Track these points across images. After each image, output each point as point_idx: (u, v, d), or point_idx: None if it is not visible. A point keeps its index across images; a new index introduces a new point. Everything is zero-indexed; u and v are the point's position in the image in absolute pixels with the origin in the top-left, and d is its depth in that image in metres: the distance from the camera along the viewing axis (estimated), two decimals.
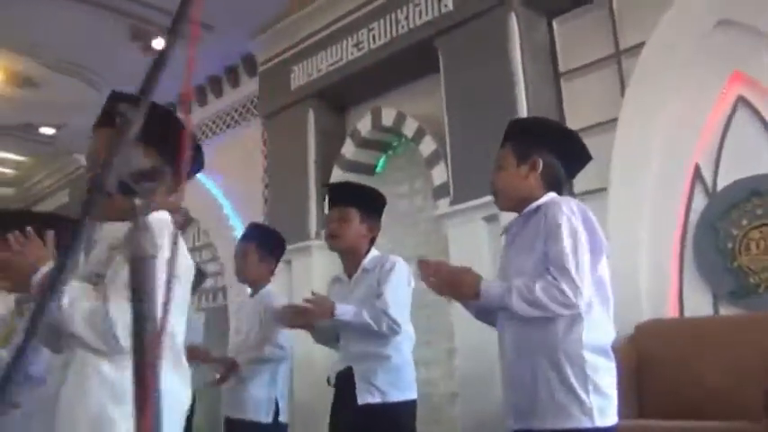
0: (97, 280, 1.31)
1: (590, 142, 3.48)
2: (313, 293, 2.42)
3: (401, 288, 2.41)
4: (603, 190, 3.37)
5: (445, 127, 3.84)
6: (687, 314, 3.13)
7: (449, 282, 1.81)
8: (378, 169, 4.75)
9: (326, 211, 2.80)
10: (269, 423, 2.76)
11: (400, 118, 4.29)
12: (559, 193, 1.89)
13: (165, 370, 1.33)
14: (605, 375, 1.70)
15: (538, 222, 1.77)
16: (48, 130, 6.98)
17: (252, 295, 3.02)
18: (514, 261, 1.83)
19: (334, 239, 2.53)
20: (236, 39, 5.19)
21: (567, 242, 1.67)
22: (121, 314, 1.21)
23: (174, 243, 1.34)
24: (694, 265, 3.15)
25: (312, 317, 2.34)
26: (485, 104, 3.60)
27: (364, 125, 4.52)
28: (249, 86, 5.55)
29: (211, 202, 5.88)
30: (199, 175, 6.00)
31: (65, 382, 1.27)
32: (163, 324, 0.65)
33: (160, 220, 1.40)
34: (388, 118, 4.37)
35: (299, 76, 4.81)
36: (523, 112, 3.47)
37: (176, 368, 1.35)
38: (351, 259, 2.54)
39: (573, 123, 3.56)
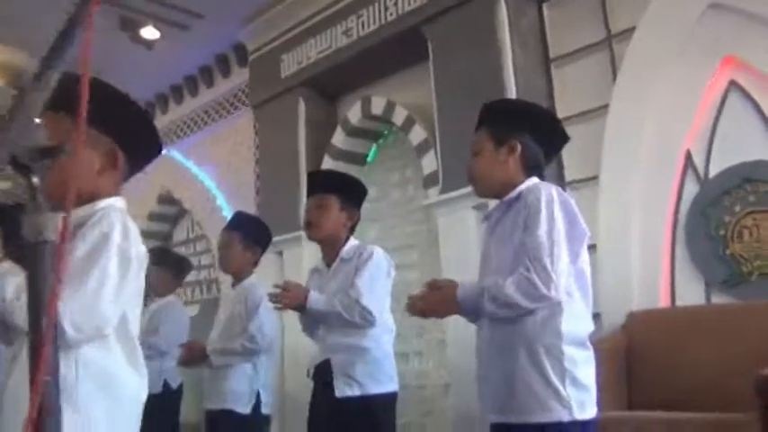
0: None
1: (581, 129, 3.48)
2: (285, 282, 2.37)
3: (377, 277, 2.36)
4: (595, 178, 3.32)
5: (434, 115, 3.78)
6: (679, 303, 3.07)
7: (430, 310, 1.81)
8: (369, 158, 4.70)
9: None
10: (247, 414, 2.71)
11: (390, 106, 4.23)
12: (540, 177, 1.84)
13: (117, 361, 1.29)
14: (583, 367, 1.64)
15: (518, 210, 1.72)
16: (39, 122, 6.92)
17: (233, 286, 2.97)
18: (495, 253, 1.78)
19: (312, 228, 2.48)
20: (226, 27, 5.12)
21: (543, 231, 1.62)
22: (64, 303, 1.16)
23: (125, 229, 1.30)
24: (686, 253, 3.09)
25: (285, 303, 2.30)
26: (474, 92, 3.53)
27: (354, 114, 4.46)
28: (240, 76, 5.48)
29: (204, 193, 5.84)
30: (191, 166, 6.02)
31: (11, 375, 1.22)
32: (54, 306, 0.60)
33: (111, 206, 1.36)
34: (377, 106, 4.31)
35: (289, 65, 4.75)
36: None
37: (130, 360, 1.30)
38: (330, 248, 2.49)
39: (563, 110, 3.51)
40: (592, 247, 3.29)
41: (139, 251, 1.31)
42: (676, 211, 3.14)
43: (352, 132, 4.51)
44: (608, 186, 3.27)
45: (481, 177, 1.85)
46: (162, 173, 6.41)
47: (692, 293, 3.05)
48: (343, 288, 2.34)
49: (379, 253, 2.42)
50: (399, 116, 4.17)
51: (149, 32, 5.16)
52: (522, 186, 1.77)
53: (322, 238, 2.50)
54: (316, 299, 2.29)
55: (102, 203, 1.34)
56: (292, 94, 4.73)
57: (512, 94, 3.43)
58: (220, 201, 5.63)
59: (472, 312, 1.74)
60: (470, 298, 1.69)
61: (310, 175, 2.72)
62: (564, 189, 3.48)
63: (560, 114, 3.53)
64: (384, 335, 2.37)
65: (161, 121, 6.42)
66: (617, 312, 3.05)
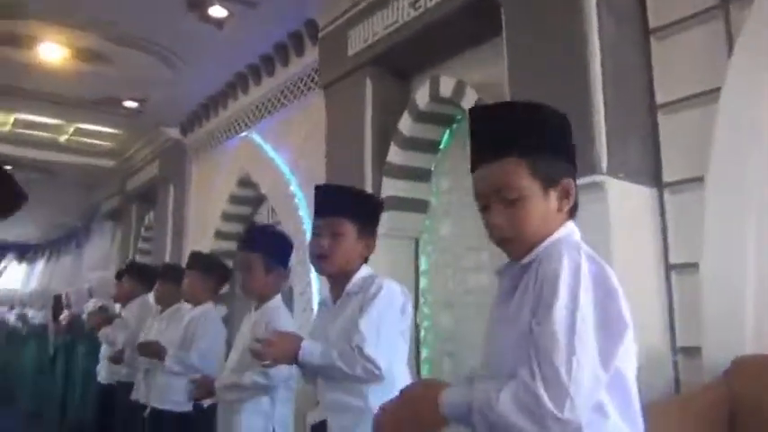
0: None
1: (686, 118, 2.78)
2: (272, 332, 1.95)
3: (387, 318, 1.89)
4: (699, 180, 2.64)
5: (506, 98, 3.21)
6: None
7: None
8: (442, 146, 4.19)
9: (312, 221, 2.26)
10: None
11: (459, 88, 3.69)
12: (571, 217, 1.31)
13: None
14: None
15: (529, 280, 1.20)
16: (131, 104, 6.95)
17: (256, 308, 2.63)
18: (497, 333, 1.27)
19: (323, 261, 2.02)
20: (296, 2, 4.76)
21: (560, 319, 1.09)
22: None
23: None
24: None
25: (271, 359, 1.89)
26: (552, 71, 2.95)
27: (422, 96, 3.96)
28: (314, 54, 5.10)
29: (279, 177, 5.56)
30: (268, 149, 5.76)
31: None
32: None
33: None
34: (446, 88, 3.78)
35: (356, 42, 4.30)
36: (597, 80, 2.77)
37: None
38: (340, 279, 2.05)
39: (664, 94, 2.86)
40: (693, 266, 2.67)
41: None
42: None
43: (420, 117, 4.02)
44: (717, 189, 2.59)
45: (527, 233, 1.24)
46: (242, 155, 6.24)
47: None
48: (348, 329, 1.91)
49: (390, 287, 1.95)
50: (469, 99, 3.62)
51: (217, 11, 4.91)
52: (551, 240, 1.24)
53: (334, 274, 2.06)
54: (310, 351, 1.87)
55: None
56: (360, 73, 4.29)
57: (596, 74, 2.79)
58: (294, 187, 5.33)
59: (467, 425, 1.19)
60: (459, 410, 1.15)
61: (320, 191, 2.18)
62: (661, 192, 2.84)
63: (661, 99, 2.88)
64: (393, 393, 1.90)
65: (242, 102, 6.23)
66: (720, 356, 2.41)
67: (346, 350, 1.84)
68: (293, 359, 1.88)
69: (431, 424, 1.20)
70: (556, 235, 1.24)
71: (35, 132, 8.01)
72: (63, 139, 8.26)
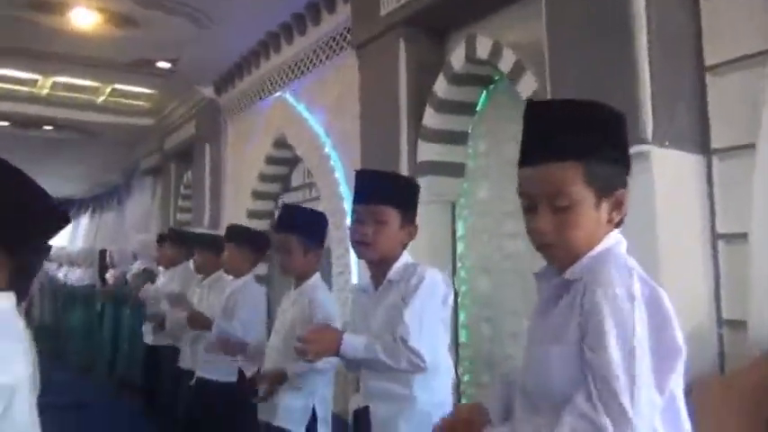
0: None
1: (736, 80, 2.64)
2: (311, 330, 1.94)
3: (430, 309, 1.89)
4: (750, 146, 2.52)
5: (546, 61, 3.09)
6: None
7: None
8: (478, 107, 4.09)
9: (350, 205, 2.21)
10: None
11: (496, 49, 3.57)
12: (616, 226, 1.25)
13: None
14: None
15: (575, 296, 1.15)
16: (164, 65, 6.94)
17: (295, 287, 2.65)
18: (537, 341, 1.23)
19: (364, 247, 2.00)
20: None
21: (616, 346, 1.05)
22: None
23: None
24: None
25: (313, 355, 1.89)
26: (593, 30, 2.82)
27: (457, 58, 3.85)
28: (346, 11, 4.98)
29: (314, 139, 5.53)
30: (302, 110, 5.71)
31: None
32: None
33: None
34: (483, 49, 3.66)
35: (389, 1, 4.17)
36: (642, 40, 2.64)
37: None
38: (381, 267, 2.03)
39: (713, 55, 2.70)
40: (741, 237, 2.58)
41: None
42: None
43: (456, 79, 3.91)
44: None
45: (578, 246, 1.18)
46: (277, 116, 6.21)
47: None
48: (391, 318, 1.90)
49: (432, 276, 1.93)
50: (507, 62, 3.50)
51: None
52: (596, 252, 1.18)
53: (375, 261, 2.05)
54: (352, 345, 1.87)
55: None
56: (393, 33, 4.18)
57: (641, 33, 2.66)
58: (329, 149, 5.29)
59: None
60: None
61: (362, 177, 2.13)
62: (709, 159, 2.73)
63: (709, 61, 2.73)
64: (438, 380, 1.91)
65: (274, 62, 6.16)
66: (761, 334, 2.34)
67: (390, 343, 1.84)
68: (335, 352, 1.89)
69: None
70: (601, 246, 1.18)
71: (73, 94, 8.10)
72: (100, 100, 8.34)
